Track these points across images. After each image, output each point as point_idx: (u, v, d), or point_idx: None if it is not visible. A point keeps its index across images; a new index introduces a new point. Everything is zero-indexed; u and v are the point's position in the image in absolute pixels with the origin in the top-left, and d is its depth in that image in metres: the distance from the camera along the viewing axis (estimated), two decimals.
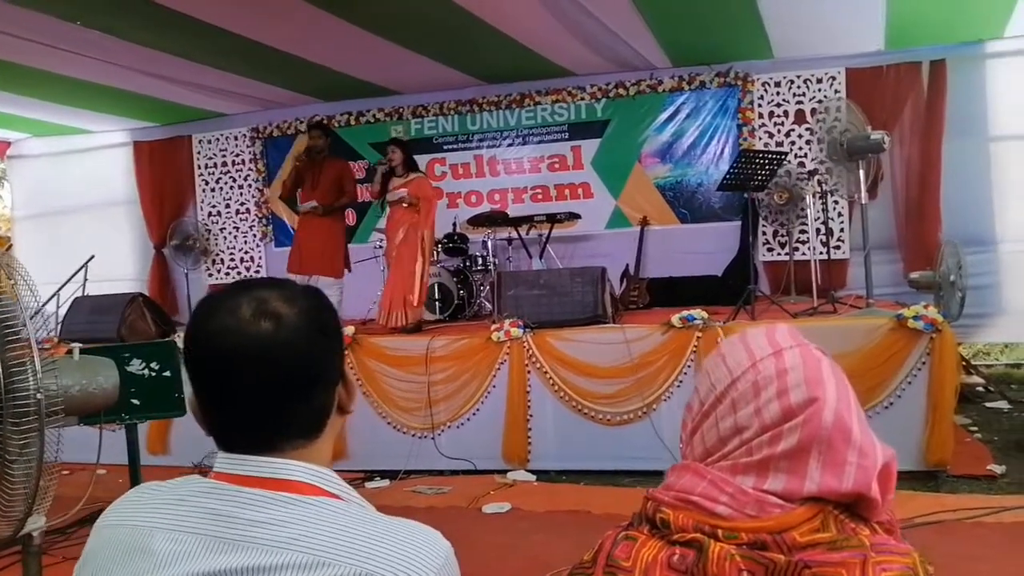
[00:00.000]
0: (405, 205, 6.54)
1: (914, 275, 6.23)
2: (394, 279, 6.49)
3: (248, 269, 9.20)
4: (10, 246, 9.96)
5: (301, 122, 8.83)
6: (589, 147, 8.17)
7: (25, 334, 2.24)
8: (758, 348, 1.09)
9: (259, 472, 1.05)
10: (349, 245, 7.71)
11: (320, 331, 1.10)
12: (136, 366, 3.73)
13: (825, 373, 1.06)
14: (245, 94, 8.16)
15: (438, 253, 7.65)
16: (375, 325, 6.60)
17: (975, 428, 5.87)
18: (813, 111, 7.37)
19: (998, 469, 4.86)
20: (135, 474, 3.78)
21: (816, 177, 6.90)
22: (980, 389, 6.82)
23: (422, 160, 7.78)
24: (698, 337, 5.27)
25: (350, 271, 7.40)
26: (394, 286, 6.44)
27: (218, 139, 9.19)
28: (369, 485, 5.48)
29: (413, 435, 5.74)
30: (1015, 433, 5.67)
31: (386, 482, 5.54)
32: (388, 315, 6.36)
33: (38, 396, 2.10)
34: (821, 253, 6.94)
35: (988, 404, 6.54)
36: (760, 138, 7.63)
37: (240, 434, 1.08)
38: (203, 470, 4.72)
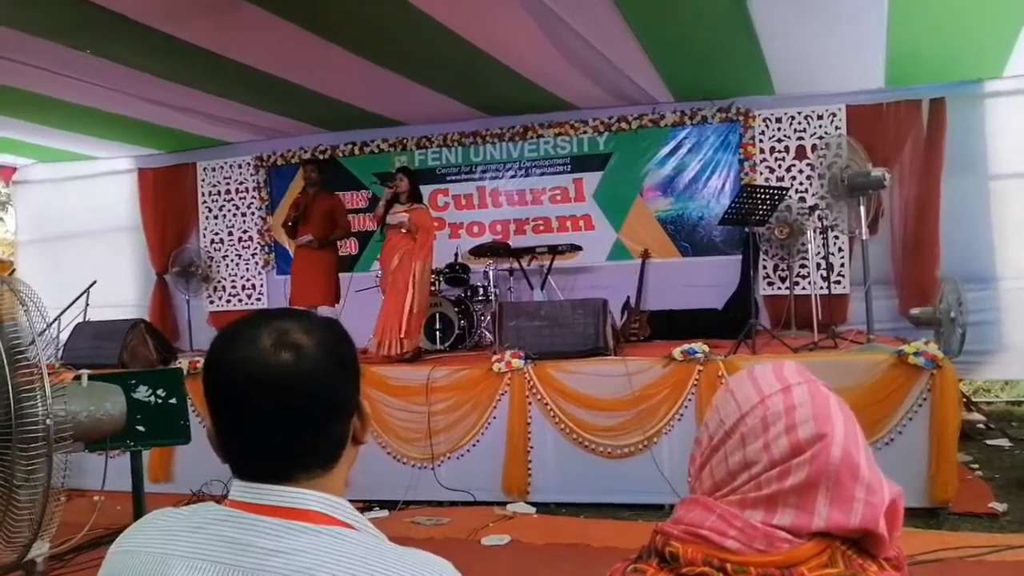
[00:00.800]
0: (403, 231, 6.56)
1: (915, 311, 6.24)
2: (388, 307, 6.48)
3: (249, 297, 9.21)
4: (13, 270, 9.98)
5: (305, 151, 8.90)
6: (591, 180, 8.23)
7: (34, 359, 2.25)
8: (766, 384, 1.11)
9: (275, 501, 1.06)
10: (351, 274, 7.81)
11: (339, 362, 1.12)
12: (143, 393, 3.74)
13: (833, 410, 1.07)
14: (250, 123, 8.22)
15: (439, 283, 7.68)
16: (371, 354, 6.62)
17: (976, 465, 5.86)
18: (814, 147, 7.43)
19: (1000, 507, 4.85)
20: (139, 501, 3.77)
21: (817, 212, 6.95)
22: (981, 426, 6.81)
23: (425, 190, 7.85)
24: (699, 371, 5.27)
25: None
26: (388, 314, 6.43)
27: (222, 167, 9.25)
28: (368, 515, 5.44)
29: (413, 465, 5.73)
30: (1016, 471, 5.66)
31: (385, 512, 5.52)
32: (380, 344, 6.35)
33: (47, 422, 2.11)
34: (822, 288, 6.97)
35: (989, 441, 6.53)
36: (761, 173, 7.68)
37: (257, 463, 1.09)
38: (203, 497, 4.73)
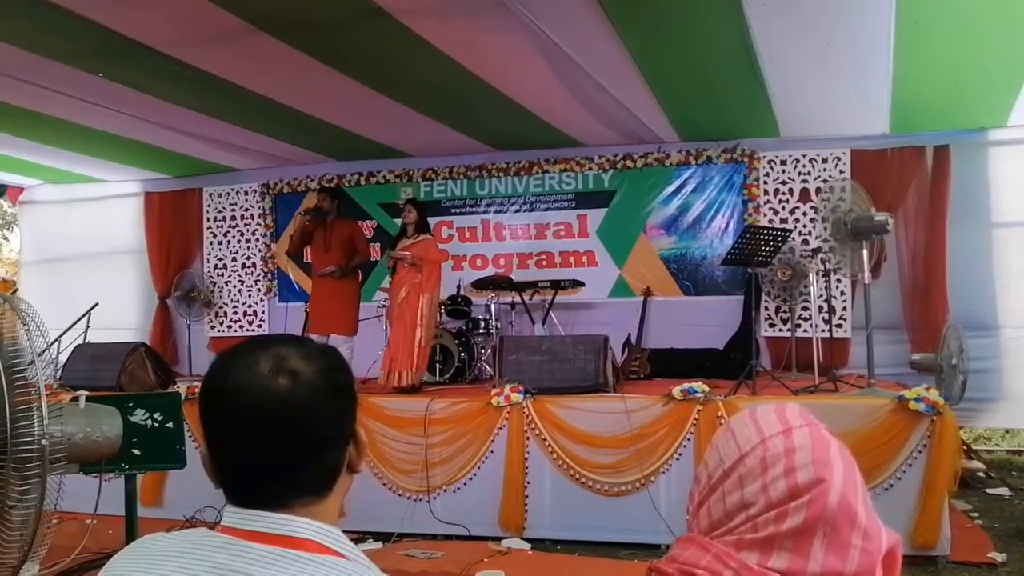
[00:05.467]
0: (407, 265, 6.58)
1: (915, 357, 6.23)
2: (396, 338, 6.48)
3: (251, 323, 9.21)
4: (15, 290, 9.99)
5: (312, 180, 8.94)
6: (595, 216, 8.26)
7: (33, 379, 2.24)
8: (768, 425, 1.10)
9: (267, 528, 1.05)
10: None
11: (335, 390, 1.12)
12: (139, 416, 3.72)
13: (833, 454, 1.06)
14: (258, 150, 8.26)
15: (441, 315, 7.67)
16: (374, 384, 6.60)
17: (976, 514, 5.80)
18: (818, 190, 7.45)
19: (999, 557, 4.79)
20: (131, 525, 3.74)
21: (820, 255, 6.96)
22: (981, 474, 6.76)
23: (430, 222, 7.85)
24: (699, 410, 5.25)
25: None
26: (397, 346, 6.43)
27: (228, 193, 9.29)
28: (361, 547, 5.37)
29: (408, 497, 5.69)
30: (1016, 521, 5.60)
31: (379, 544, 5.47)
32: (389, 375, 6.34)
33: (43, 442, 2.10)
34: (823, 331, 6.95)
35: (989, 490, 6.48)
36: (765, 214, 7.70)
37: (251, 488, 1.09)
38: (195, 524, 4.69)
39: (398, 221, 8.50)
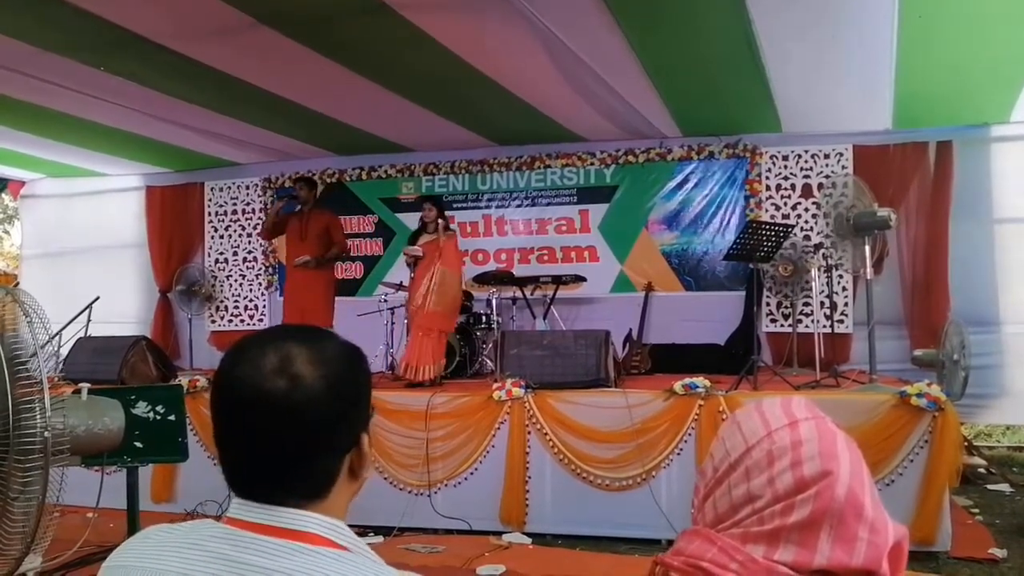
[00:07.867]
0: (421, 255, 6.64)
1: (917, 352, 6.23)
2: (419, 334, 6.48)
3: (252, 317, 9.22)
4: (17, 283, 9.99)
5: (313, 174, 8.91)
6: (597, 211, 8.25)
7: (35, 371, 2.24)
8: (774, 418, 1.10)
9: (273, 521, 1.05)
10: (355, 298, 7.76)
11: (338, 397, 1.09)
12: (142, 409, 3.72)
13: (840, 447, 1.06)
14: (260, 144, 8.26)
15: None
16: (382, 379, 6.59)
17: (977, 510, 5.81)
18: (820, 185, 7.45)
19: (1000, 553, 4.80)
20: (133, 519, 3.73)
21: (821, 251, 6.95)
22: (982, 471, 6.76)
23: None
24: (700, 405, 5.25)
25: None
26: (421, 341, 6.43)
27: (230, 187, 9.28)
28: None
29: (409, 492, 5.69)
30: (1017, 517, 5.61)
31: (380, 538, 5.47)
32: (416, 370, 6.31)
33: (45, 434, 2.10)
34: (825, 327, 6.95)
35: (990, 486, 6.48)
36: (767, 210, 7.69)
37: (246, 483, 1.08)
38: (196, 517, 4.69)
39: (400, 216, 8.55)
